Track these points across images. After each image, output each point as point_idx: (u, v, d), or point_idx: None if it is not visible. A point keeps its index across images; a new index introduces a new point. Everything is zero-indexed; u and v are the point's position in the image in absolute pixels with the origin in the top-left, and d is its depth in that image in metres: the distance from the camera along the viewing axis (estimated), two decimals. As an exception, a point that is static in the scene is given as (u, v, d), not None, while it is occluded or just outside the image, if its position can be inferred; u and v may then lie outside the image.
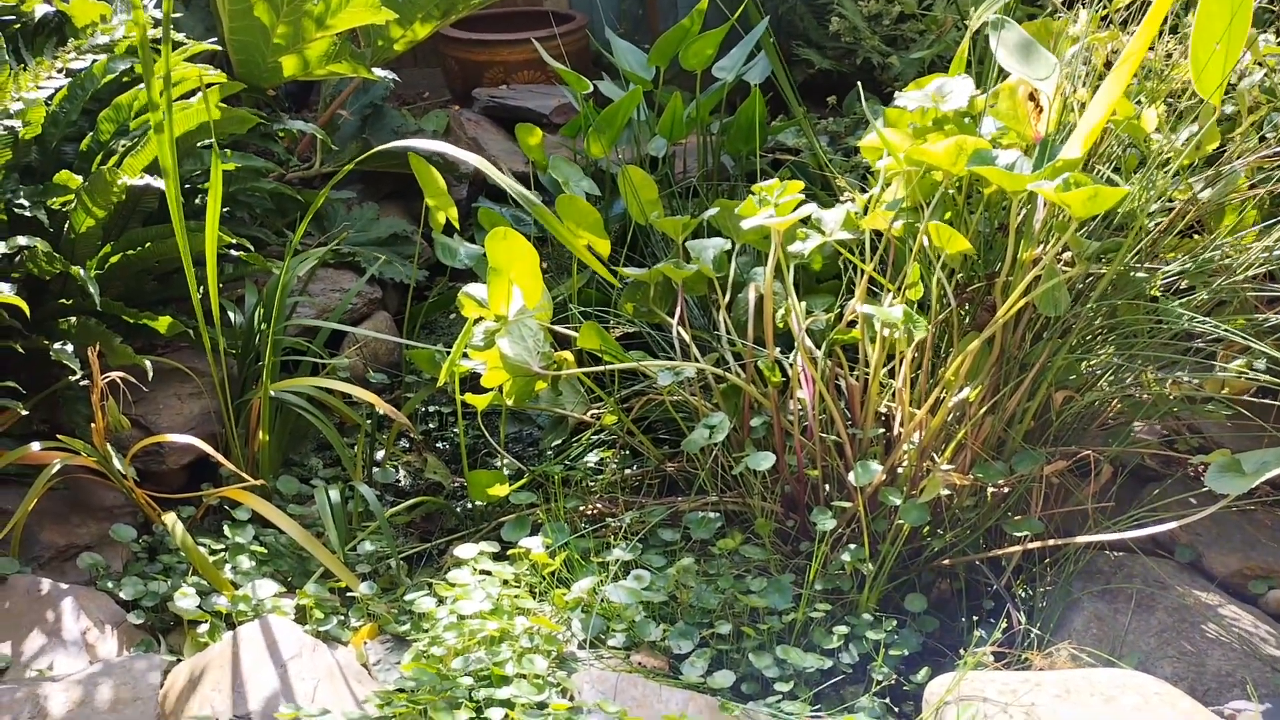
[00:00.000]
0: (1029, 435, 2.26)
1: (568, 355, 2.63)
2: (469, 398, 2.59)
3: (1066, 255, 2.21)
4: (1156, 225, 2.28)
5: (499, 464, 2.79)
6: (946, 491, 2.22)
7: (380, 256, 3.26)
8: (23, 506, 2.26)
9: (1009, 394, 2.24)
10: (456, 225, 3.04)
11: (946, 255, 2.20)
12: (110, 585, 2.27)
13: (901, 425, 2.30)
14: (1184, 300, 2.23)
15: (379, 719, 1.81)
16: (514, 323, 2.54)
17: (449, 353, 2.64)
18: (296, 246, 2.89)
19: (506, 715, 1.81)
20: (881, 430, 2.36)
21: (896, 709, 2.03)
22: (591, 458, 2.75)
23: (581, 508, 2.59)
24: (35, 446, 2.34)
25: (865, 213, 2.36)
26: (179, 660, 2.10)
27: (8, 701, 1.84)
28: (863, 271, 2.32)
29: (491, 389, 2.60)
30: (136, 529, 2.41)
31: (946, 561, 2.27)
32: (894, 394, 2.38)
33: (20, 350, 2.40)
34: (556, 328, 2.72)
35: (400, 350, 3.17)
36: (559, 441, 2.86)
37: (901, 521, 2.20)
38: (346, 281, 3.22)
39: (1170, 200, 2.27)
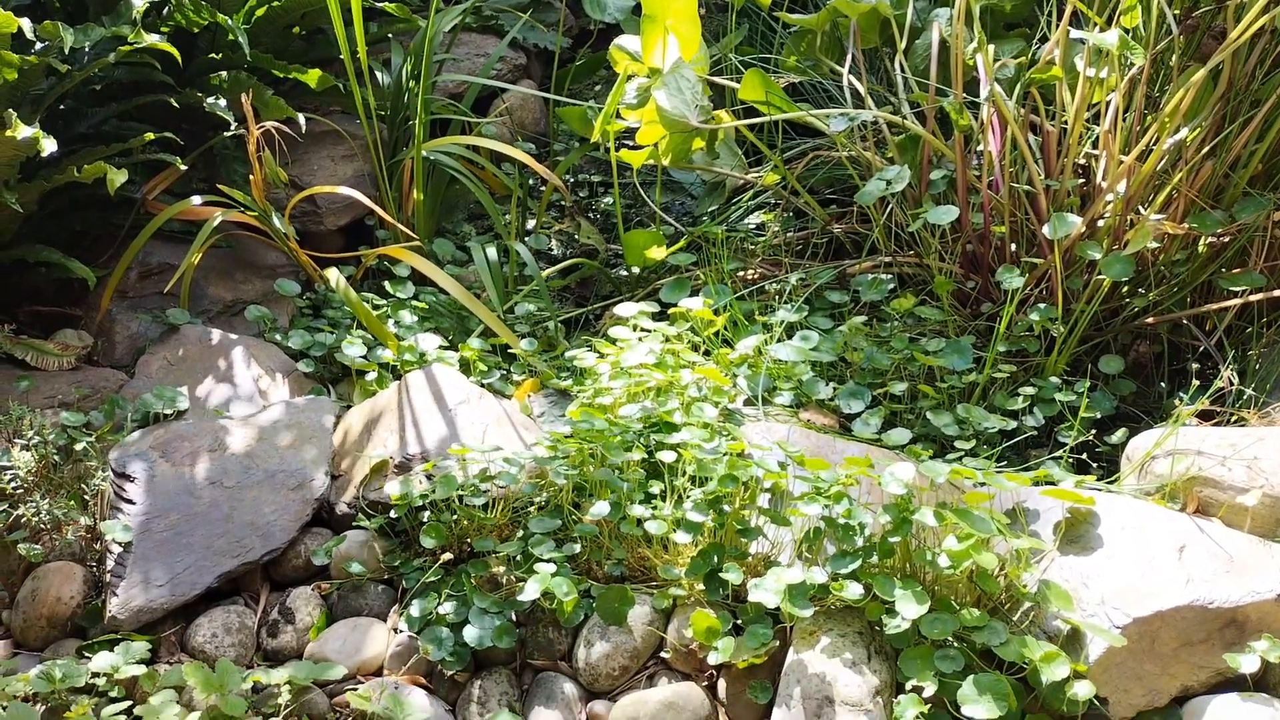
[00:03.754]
0: (1254, 180, 2.01)
1: (725, 112, 2.46)
2: (624, 154, 2.46)
3: (1319, -31, 1.90)
4: None
5: (655, 228, 2.68)
6: (1155, 244, 2.01)
7: (524, 17, 3.09)
8: (188, 259, 2.27)
9: (1235, 133, 1.98)
10: (605, -23, 2.84)
11: (1173, -28, 1.91)
12: (278, 338, 2.29)
13: (1105, 174, 2.08)
14: None
15: (550, 459, 1.78)
16: (670, 74, 2.37)
17: (601, 109, 2.50)
18: (438, 5, 2.76)
19: (679, 456, 1.76)
20: (1080, 181, 2.14)
21: (1090, 468, 1.91)
22: (752, 220, 2.62)
23: (742, 271, 2.47)
24: (196, 200, 2.33)
25: (1074, -69, 2.07)
26: (349, 406, 2.12)
27: (189, 434, 1.89)
28: (1063, 3, 2.05)
29: (646, 146, 2.46)
30: (300, 286, 2.41)
31: (1149, 320, 2.08)
32: (1096, 141, 2.14)
33: (175, 105, 2.37)
34: (715, 79, 2.55)
35: (546, 119, 3.05)
36: (715, 208, 2.73)
37: (1102, 277, 2.01)
38: (489, 46, 3.08)
39: None
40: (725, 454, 1.71)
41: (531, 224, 2.81)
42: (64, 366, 2.17)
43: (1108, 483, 1.74)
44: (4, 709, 1.49)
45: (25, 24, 1.94)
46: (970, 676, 1.43)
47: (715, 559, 1.61)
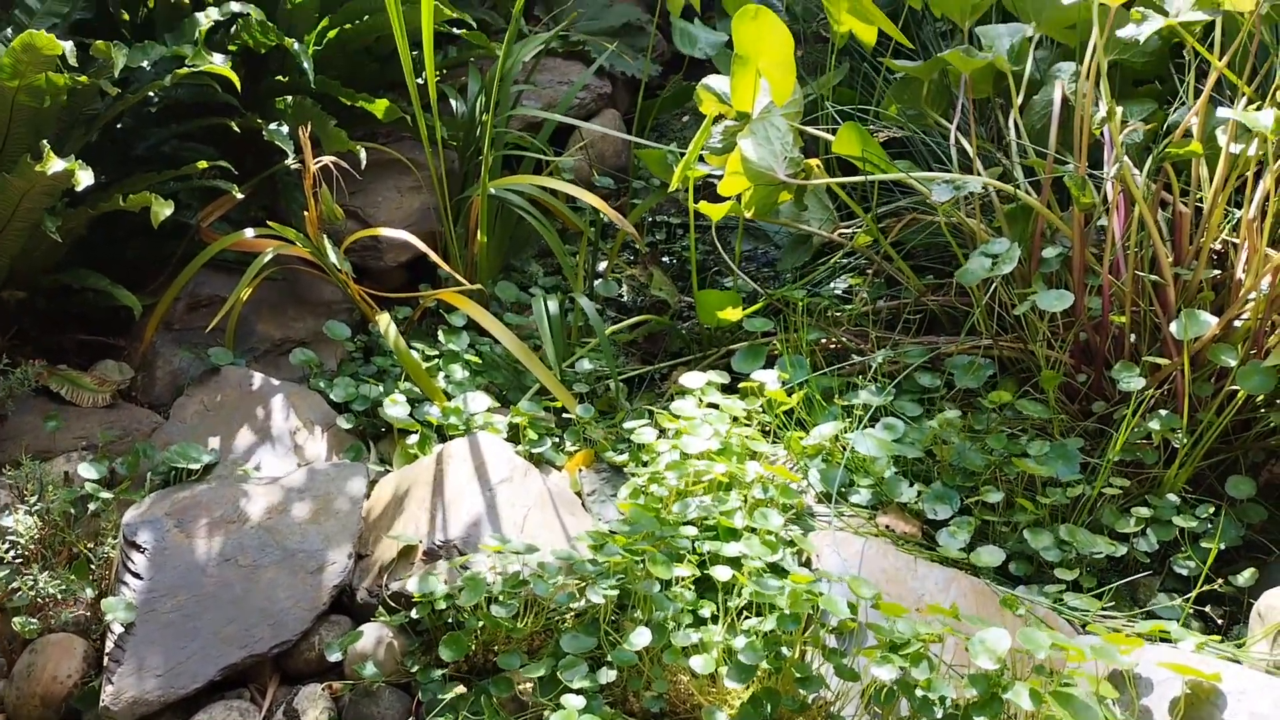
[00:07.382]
0: None
1: (816, 163, 2.26)
2: (703, 207, 2.27)
3: None
4: None
5: (731, 284, 2.49)
6: (1301, 355, 1.75)
7: (610, 46, 2.92)
8: (235, 293, 2.15)
9: None
10: (697, 8, 2.65)
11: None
12: (323, 385, 2.15)
13: (1247, 267, 1.83)
14: None
15: (590, 562, 1.60)
16: (759, 121, 2.17)
17: (683, 154, 2.32)
18: (522, 29, 2.60)
19: (734, 576, 1.56)
20: (1216, 272, 1.89)
21: (1207, 609, 1.66)
22: (838, 284, 2.40)
23: (824, 340, 2.26)
24: (249, 233, 2.21)
25: (1228, -11, 1.82)
26: (387, 470, 1.98)
27: (208, 501, 1.76)
28: (1207, 67, 1.80)
29: (729, 198, 2.27)
30: (352, 327, 2.28)
31: (1289, 440, 1.82)
32: (1238, 226, 1.89)
33: (236, 130, 2.25)
34: (807, 128, 2.34)
35: (628, 152, 2.87)
36: (800, 264, 2.52)
37: (1236, 388, 1.75)
38: (574, 73, 2.91)
39: None
40: (785, 584, 1.51)
41: (603, 265, 2.64)
42: (99, 403, 2.07)
43: (1235, 645, 1.50)
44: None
45: (68, 47, 1.83)
46: None
47: (769, 706, 1.41)
